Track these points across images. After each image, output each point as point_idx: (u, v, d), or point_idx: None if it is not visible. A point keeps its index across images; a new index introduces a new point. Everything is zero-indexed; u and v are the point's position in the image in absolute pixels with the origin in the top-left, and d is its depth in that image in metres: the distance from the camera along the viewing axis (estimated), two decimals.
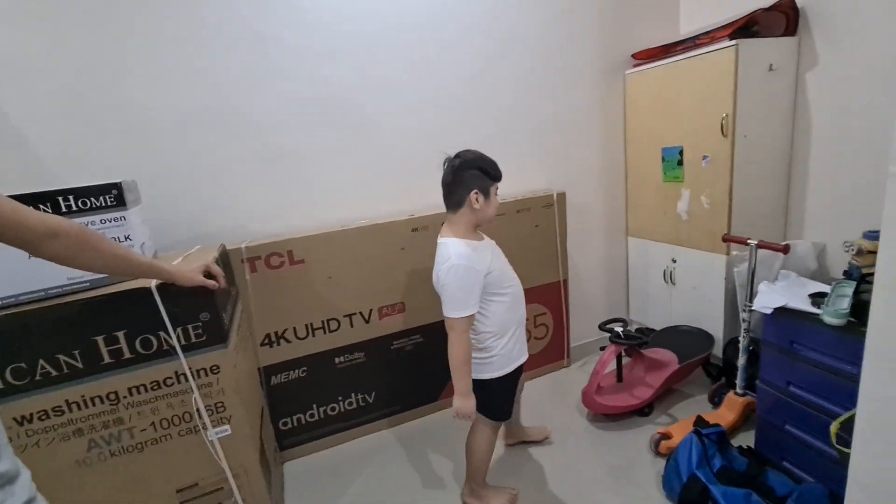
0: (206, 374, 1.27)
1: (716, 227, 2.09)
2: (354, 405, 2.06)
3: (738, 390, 1.82)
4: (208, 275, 1.23)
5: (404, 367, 2.10)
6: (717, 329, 2.18)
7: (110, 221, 1.19)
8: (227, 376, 1.30)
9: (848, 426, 1.14)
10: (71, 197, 1.14)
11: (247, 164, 1.86)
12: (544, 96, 2.32)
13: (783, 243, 1.62)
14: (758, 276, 2.01)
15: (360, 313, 1.98)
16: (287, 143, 1.90)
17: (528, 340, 2.31)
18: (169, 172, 1.75)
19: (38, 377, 1.12)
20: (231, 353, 1.32)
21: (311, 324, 1.91)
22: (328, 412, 2.02)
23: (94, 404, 1.18)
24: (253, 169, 1.87)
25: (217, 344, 1.27)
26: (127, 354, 1.19)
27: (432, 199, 2.20)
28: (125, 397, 1.21)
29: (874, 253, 1.72)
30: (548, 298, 2.37)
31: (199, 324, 1.24)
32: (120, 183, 1.20)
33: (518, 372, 1.52)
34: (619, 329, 1.98)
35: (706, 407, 2.03)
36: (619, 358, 2.01)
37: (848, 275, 1.76)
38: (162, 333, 1.21)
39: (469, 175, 1.34)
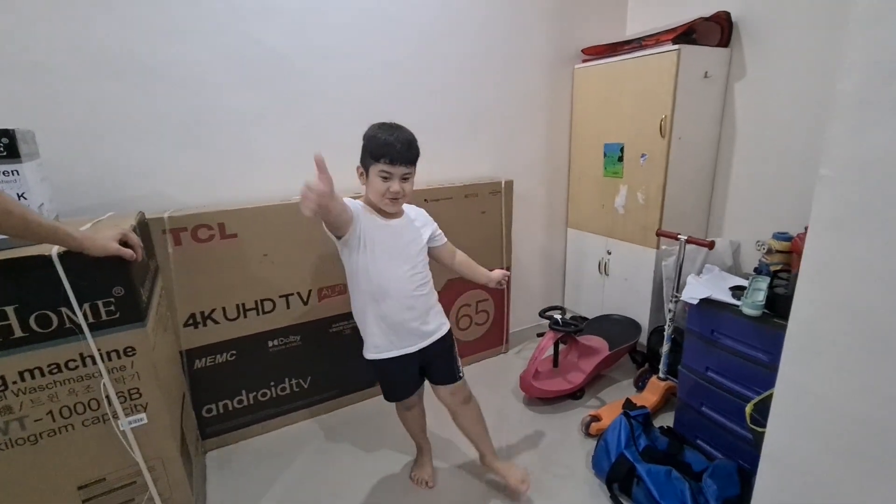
0: (119, 357, 1.13)
1: (649, 221, 2.21)
2: (288, 390, 1.95)
3: (661, 375, 1.96)
4: (124, 244, 1.08)
5: (343, 352, 2.02)
6: (643, 318, 2.33)
7: (0, 175, 1.00)
8: (144, 359, 1.16)
9: (760, 408, 1.26)
10: None
11: (171, 122, 1.66)
12: (492, 81, 2.30)
13: (709, 240, 1.75)
14: (683, 269, 2.17)
15: (298, 294, 1.87)
16: (219, 104, 1.72)
17: (467, 327, 2.37)
18: (76, 126, 1.52)
19: None
20: (149, 333, 1.18)
21: (243, 304, 1.77)
22: (258, 398, 1.89)
23: None
24: (178, 129, 1.68)
25: (132, 323, 1.13)
26: (18, 333, 1.02)
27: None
28: (14, 382, 1.04)
29: (782, 252, 1.91)
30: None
31: (112, 299, 1.09)
32: (12, 131, 1.01)
33: (389, 365, 1.38)
34: (557, 316, 2.04)
35: (631, 391, 2.17)
36: (556, 344, 2.08)
37: (758, 271, 1.95)
38: (64, 310, 1.04)
39: (362, 147, 1.28)
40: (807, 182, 1.90)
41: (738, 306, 1.47)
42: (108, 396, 1.13)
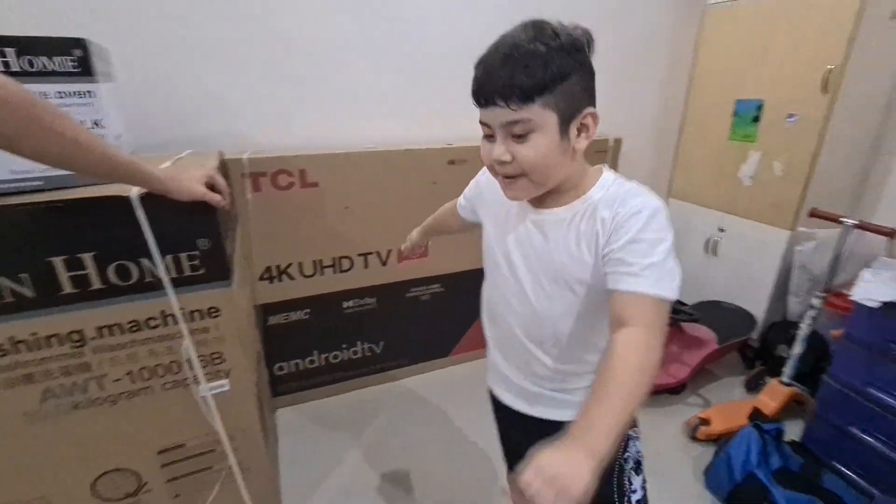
0: (202, 318, 0.99)
1: (784, 197, 1.85)
2: (360, 354, 1.83)
3: (785, 380, 1.68)
4: (211, 188, 0.91)
5: (419, 318, 1.87)
6: (757, 309, 2.01)
7: (72, 96, 0.83)
8: (229, 321, 1.02)
9: None
10: (11, 51, 0.77)
11: (252, 52, 1.46)
12: (602, 21, 1.94)
13: (888, 227, 1.40)
14: (816, 258, 1.81)
15: (378, 253, 1.70)
16: (306, 30, 1.50)
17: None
18: (152, 49, 1.35)
19: None
20: (234, 293, 1.03)
21: (320, 260, 1.62)
22: (330, 360, 1.78)
23: (49, 345, 0.89)
24: (262, 58, 1.48)
25: (218, 280, 0.98)
26: (97, 284, 0.88)
27: (474, 130, 1.87)
28: (93, 339, 0.92)
29: None
30: None
31: (196, 253, 0.94)
32: (83, 40, 0.83)
33: (494, 405, 0.92)
34: None
35: (740, 391, 1.90)
36: None
37: None
38: (145, 261, 0.90)
39: None
40: None
41: None
42: (189, 360, 1.00)
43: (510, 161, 0.62)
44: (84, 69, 0.84)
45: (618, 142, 1.96)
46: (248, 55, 1.46)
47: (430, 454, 1.57)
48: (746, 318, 1.98)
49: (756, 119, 1.92)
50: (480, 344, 2.20)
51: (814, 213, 1.61)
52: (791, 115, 1.79)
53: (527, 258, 0.72)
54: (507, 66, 0.57)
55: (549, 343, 0.74)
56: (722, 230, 2.14)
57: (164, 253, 0.90)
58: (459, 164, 1.70)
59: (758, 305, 2.01)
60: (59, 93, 0.82)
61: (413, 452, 1.57)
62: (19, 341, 0.86)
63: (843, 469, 1.41)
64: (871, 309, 1.26)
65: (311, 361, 1.76)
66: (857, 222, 1.45)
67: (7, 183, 0.81)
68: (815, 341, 1.70)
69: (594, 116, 0.63)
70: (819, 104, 1.69)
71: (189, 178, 0.85)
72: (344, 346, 1.79)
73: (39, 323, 0.87)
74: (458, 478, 1.48)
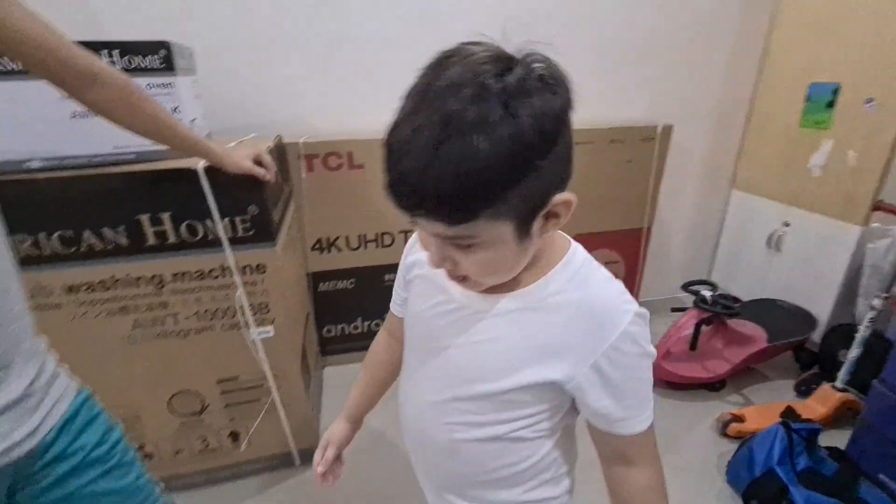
0: (252, 272, 1.19)
1: (858, 190, 1.69)
2: None
3: (838, 385, 1.56)
4: (259, 164, 1.09)
5: None
6: (821, 311, 1.86)
7: (157, 87, 1.05)
8: (273, 277, 1.21)
9: None
10: (115, 52, 1.00)
11: (312, 48, 1.65)
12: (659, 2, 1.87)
13: None
14: (890, 257, 1.64)
15: None
16: (354, 28, 1.65)
17: None
18: (228, 47, 1.58)
19: (83, 248, 1.06)
20: (279, 253, 1.21)
21: (365, 235, 1.79)
22: (372, 327, 1.96)
23: (138, 285, 1.13)
24: (318, 54, 1.66)
25: (264, 241, 1.17)
26: (172, 238, 1.11)
27: None
28: (169, 282, 1.15)
29: None
30: (624, 246, 2.11)
31: (247, 217, 1.13)
32: (168, 43, 1.04)
33: None
34: (706, 293, 1.71)
35: (789, 395, 1.78)
36: (698, 325, 1.77)
37: None
38: (208, 222, 1.11)
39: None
40: None
41: None
42: (241, 307, 1.21)
43: (452, 267, 0.49)
44: (167, 66, 1.05)
45: (667, 129, 1.90)
46: (309, 50, 1.64)
47: None
48: (805, 318, 1.85)
49: (831, 104, 1.76)
50: None
51: (878, 207, 1.47)
52: (870, 101, 1.63)
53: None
54: (434, 164, 0.37)
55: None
56: (787, 224, 1.99)
57: (222, 216, 1.10)
58: None
59: (822, 306, 1.86)
60: (148, 84, 1.04)
61: None
62: (118, 280, 1.11)
63: (886, 480, 1.30)
64: None
65: (356, 327, 1.95)
66: None
67: (109, 155, 1.05)
68: (879, 346, 1.56)
69: (567, 204, 0.45)
70: None
71: (240, 156, 1.04)
72: (385, 315, 1.96)
73: (131, 267, 1.11)
74: None
